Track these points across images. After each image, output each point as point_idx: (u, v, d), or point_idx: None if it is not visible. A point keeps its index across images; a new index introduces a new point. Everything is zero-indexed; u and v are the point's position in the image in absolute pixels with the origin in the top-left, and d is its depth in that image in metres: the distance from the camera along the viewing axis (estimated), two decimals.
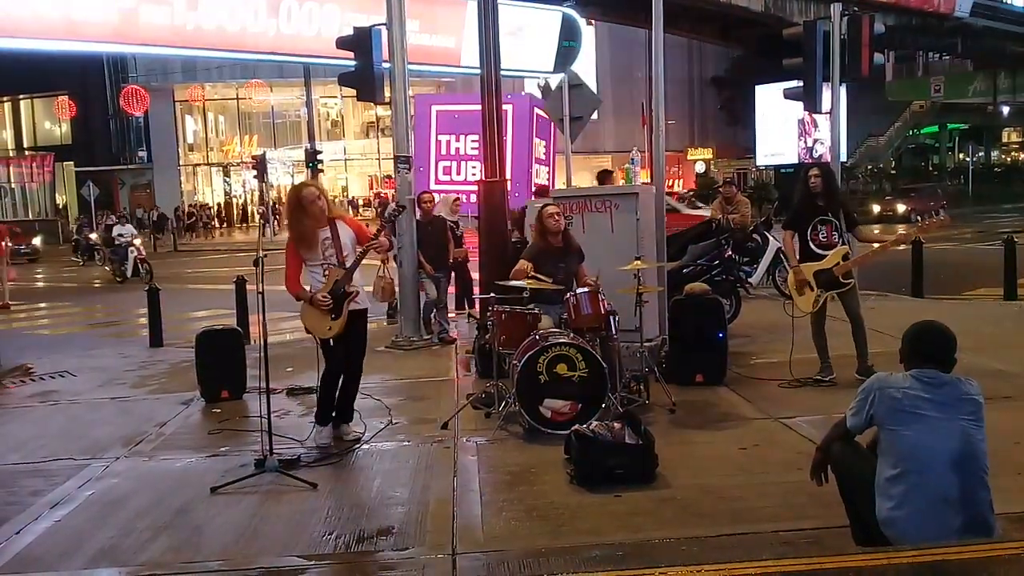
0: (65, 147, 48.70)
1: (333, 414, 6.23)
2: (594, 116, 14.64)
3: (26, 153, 49.69)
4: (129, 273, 20.78)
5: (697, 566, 3.62)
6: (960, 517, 3.41)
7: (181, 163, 49.75)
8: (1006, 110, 55.74)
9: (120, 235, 21.50)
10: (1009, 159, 61.14)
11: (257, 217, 42.89)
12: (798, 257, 7.31)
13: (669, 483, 5.03)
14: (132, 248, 21.01)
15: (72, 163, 47.85)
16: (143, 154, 49.43)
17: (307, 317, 6.00)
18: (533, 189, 14.36)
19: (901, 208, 34.36)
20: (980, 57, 51.53)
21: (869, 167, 50.15)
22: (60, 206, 48.69)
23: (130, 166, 49.39)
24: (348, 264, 5.96)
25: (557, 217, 7.16)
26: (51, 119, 50.98)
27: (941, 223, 6.98)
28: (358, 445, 6.13)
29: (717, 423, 6.36)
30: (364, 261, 6.05)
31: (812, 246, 7.22)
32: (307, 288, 5.99)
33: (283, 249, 6.08)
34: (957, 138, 58.75)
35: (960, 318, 10.17)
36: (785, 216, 8.10)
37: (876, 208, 35.03)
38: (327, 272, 5.95)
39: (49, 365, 10.02)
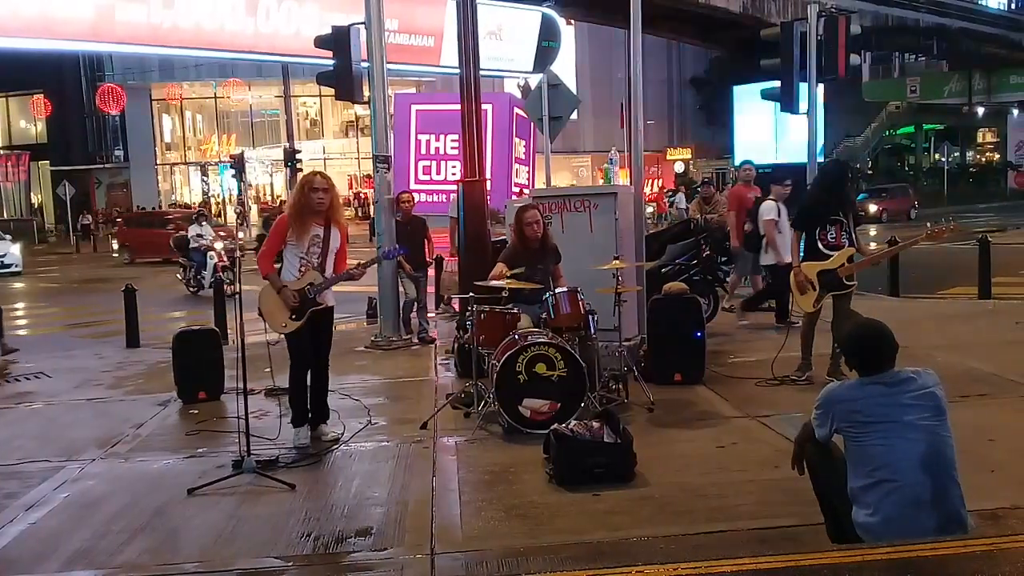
0: (40, 146, 48.21)
1: (309, 414, 6.20)
2: (573, 116, 14.67)
3: (0, 152, 49.13)
4: (207, 283, 16.57)
5: (675, 564, 3.63)
6: (935, 517, 3.44)
7: (158, 162, 49.29)
8: (981, 111, 56.32)
9: (198, 236, 17.60)
10: (984, 159, 61.72)
11: (234, 216, 42.47)
12: (802, 255, 7.25)
13: (648, 481, 5.05)
14: (212, 253, 16.85)
15: (47, 162, 47.40)
16: (120, 153, 49.00)
17: (266, 303, 5.92)
18: (513, 188, 14.40)
19: (872, 208, 34.29)
20: (956, 58, 52.06)
21: None
22: (35, 206, 48.17)
23: (106, 165, 48.97)
24: (326, 272, 5.96)
25: (536, 227, 6.99)
26: (26, 118, 50.44)
27: (953, 230, 6.97)
28: (336, 446, 6.10)
29: (695, 422, 6.38)
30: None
31: (820, 246, 7.10)
32: (278, 275, 5.95)
33: (258, 250, 6.04)
34: (933, 138, 59.30)
35: (936, 317, 10.32)
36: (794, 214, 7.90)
37: None
38: (303, 268, 5.93)
39: (25, 366, 9.90)
